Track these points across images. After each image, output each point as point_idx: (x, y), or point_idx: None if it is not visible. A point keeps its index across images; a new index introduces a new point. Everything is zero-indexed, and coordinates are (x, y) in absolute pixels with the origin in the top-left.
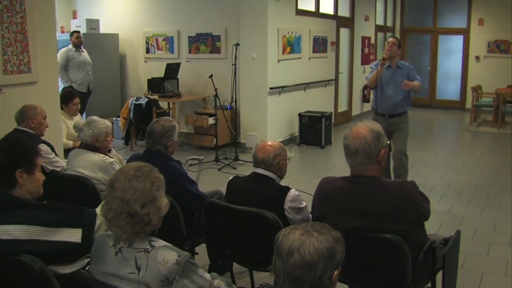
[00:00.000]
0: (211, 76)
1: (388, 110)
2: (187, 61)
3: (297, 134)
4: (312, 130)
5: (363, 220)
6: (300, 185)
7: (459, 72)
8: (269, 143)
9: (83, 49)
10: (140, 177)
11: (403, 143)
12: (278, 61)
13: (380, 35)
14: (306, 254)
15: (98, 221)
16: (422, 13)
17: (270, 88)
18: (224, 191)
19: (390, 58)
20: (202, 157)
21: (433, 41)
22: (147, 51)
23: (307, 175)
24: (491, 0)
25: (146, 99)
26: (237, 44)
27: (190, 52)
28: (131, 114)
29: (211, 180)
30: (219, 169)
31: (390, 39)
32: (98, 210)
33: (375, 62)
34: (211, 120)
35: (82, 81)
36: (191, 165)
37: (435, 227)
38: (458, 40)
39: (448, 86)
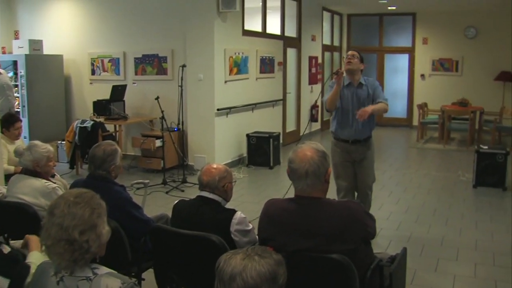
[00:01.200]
0: (157, 98)
1: (352, 135)
2: (133, 83)
3: (245, 155)
4: (261, 150)
5: (310, 241)
6: (249, 206)
7: (406, 90)
8: (214, 166)
9: (0, 72)
10: (80, 204)
11: (370, 175)
12: (225, 81)
13: (327, 54)
14: (248, 278)
15: (29, 279)
16: (368, 32)
17: (218, 109)
18: (171, 214)
19: (351, 73)
20: (148, 180)
21: (379, 60)
22: (93, 72)
23: (256, 196)
24: (435, 20)
25: (92, 122)
26: (184, 65)
27: (136, 74)
28: (76, 137)
29: (159, 204)
30: (166, 192)
31: (350, 52)
32: (33, 261)
33: (332, 74)
34: (158, 143)
35: (2, 107)
36: (137, 188)
37: (384, 244)
38: (404, 59)
39: (395, 104)
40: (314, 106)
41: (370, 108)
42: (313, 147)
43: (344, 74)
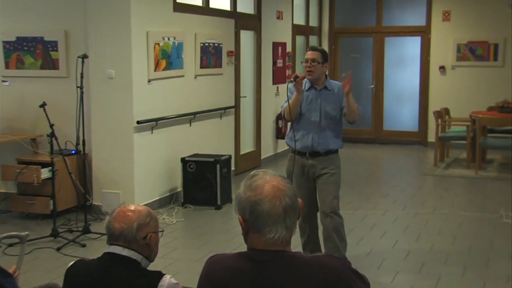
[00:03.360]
0: (43, 105)
1: (310, 146)
2: (3, 81)
3: (180, 189)
4: (203, 182)
5: None
6: (184, 267)
7: (416, 90)
8: (132, 207)
9: None
10: None
11: (333, 196)
12: (149, 81)
13: (300, 40)
14: None
15: None
16: (361, 6)
17: (138, 122)
18: (62, 283)
19: (312, 80)
20: (26, 232)
21: (377, 47)
22: None
23: (196, 252)
24: None
25: None
26: (84, 56)
27: (7, 67)
28: None
29: (46, 267)
30: (58, 249)
31: (309, 54)
32: None
33: (291, 80)
34: (45, 173)
35: None
36: (10, 245)
37: None
38: (414, 44)
39: (401, 112)
40: (281, 116)
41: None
42: (275, 175)
43: (305, 79)
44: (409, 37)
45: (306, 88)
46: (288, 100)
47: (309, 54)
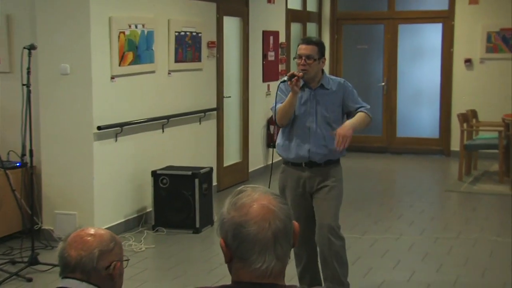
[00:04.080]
0: None
1: (306, 156)
2: None
3: (150, 209)
4: (179, 201)
5: None
6: None
7: (437, 88)
8: (91, 231)
9: None
10: None
11: (333, 214)
12: (112, 78)
13: (296, 27)
14: None
15: None
16: None
17: (99, 128)
18: None
19: (307, 78)
20: None
21: (388, 36)
22: None
23: (169, 286)
24: None
25: None
26: (32, 47)
27: None
28: None
29: None
30: None
31: (303, 48)
32: None
33: (283, 79)
34: None
35: None
36: None
37: None
38: (434, 32)
39: (418, 115)
40: (273, 121)
41: (349, 126)
42: (269, 192)
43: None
44: (428, 25)
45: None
46: (276, 102)
47: (303, 49)
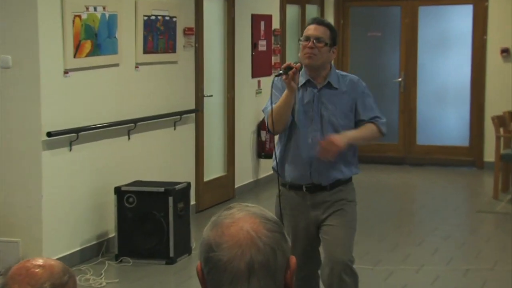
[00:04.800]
0: None
1: (308, 177)
2: None
3: (113, 234)
4: (148, 224)
5: None
6: None
7: (466, 85)
8: (39, 261)
9: None
10: None
11: (346, 246)
12: (66, 72)
13: (292, 10)
14: None
15: None
16: None
17: (49, 134)
18: None
19: (312, 68)
20: None
21: (406, 21)
22: None
23: None
24: None
25: None
26: None
27: None
28: None
29: None
30: None
31: (312, 29)
32: None
33: (278, 72)
34: None
35: None
36: None
37: None
38: (462, 16)
39: (443, 118)
40: (265, 124)
41: (346, 137)
42: (256, 213)
43: (301, 70)
44: (455, 6)
45: (300, 83)
46: (272, 102)
47: (312, 29)
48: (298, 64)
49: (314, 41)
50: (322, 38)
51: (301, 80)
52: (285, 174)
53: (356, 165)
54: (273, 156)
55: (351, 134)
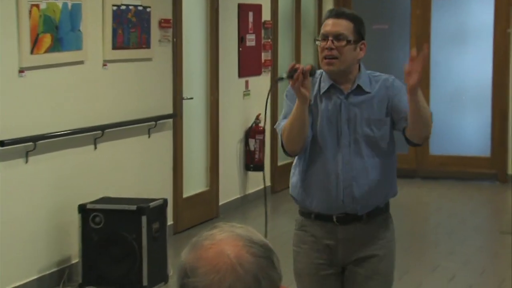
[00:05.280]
0: None
1: (340, 203)
2: None
3: (77, 260)
4: (118, 248)
5: None
6: None
7: (487, 85)
8: None
9: None
10: None
11: None
12: (21, 71)
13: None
14: None
15: None
16: None
17: (2, 144)
18: None
19: (335, 74)
20: None
21: (418, 12)
22: None
23: None
24: None
25: None
26: None
27: None
28: None
29: None
30: None
31: (330, 24)
32: None
33: (280, 76)
34: None
35: None
36: None
37: None
38: (482, 6)
39: (460, 124)
40: (254, 131)
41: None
42: (240, 235)
43: (317, 73)
44: None
45: (322, 89)
46: (283, 117)
47: (330, 25)
48: (309, 65)
49: (334, 39)
50: (344, 35)
51: (323, 86)
52: (310, 202)
53: (395, 186)
54: (291, 181)
55: (420, 95)
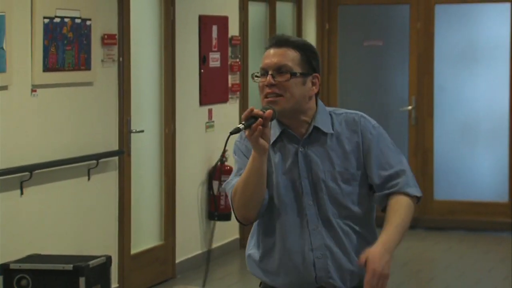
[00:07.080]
0: None
1: (312, 282)
2: None
3: None
4: None
5: None
6: None
7: (503, 115)
8: None
9: None
10: None
11: None
12: None
13: (257, 10)
14: None
15: None
16: None
17: None
18: None
19: (283, 115)
20: None
21: (417, 25)
22: None
23: None
24: None
25: None
26: None
27: None
28: None
29: None
30: None
31: (270, 54)
32: None
33: (237, 127)
34: None
35: None
36: None
37: None
38: (497, 18)
39: (470, 161)
40: (219, 171)
41: (385, 245)
42: None
43: (274, 119)
44: (486, 5)
45: (273, 138)
46: (233, 175)
47: (271, 56)
48: (269, 110)
49: (274, 74)
50: (287, 66)
51: (273, 133)
52: (272, 280)
53: (377, 237)
54: (246, 254)
55: (388, 239)
